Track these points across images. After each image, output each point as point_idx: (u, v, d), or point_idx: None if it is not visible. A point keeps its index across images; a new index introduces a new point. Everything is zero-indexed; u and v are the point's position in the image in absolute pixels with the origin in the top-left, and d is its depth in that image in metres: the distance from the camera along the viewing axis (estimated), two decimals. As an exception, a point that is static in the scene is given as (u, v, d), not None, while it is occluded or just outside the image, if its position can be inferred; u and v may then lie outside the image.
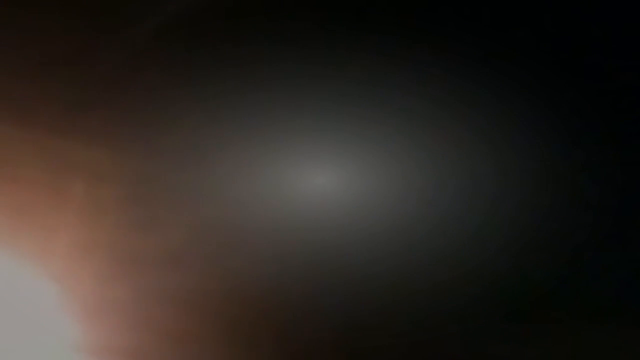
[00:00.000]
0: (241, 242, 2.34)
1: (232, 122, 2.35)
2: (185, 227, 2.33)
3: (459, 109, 2.36)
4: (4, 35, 2.25)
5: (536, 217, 2.38)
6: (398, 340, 2.38)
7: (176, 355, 2.35)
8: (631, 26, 2.35)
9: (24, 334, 2.29)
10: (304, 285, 2.35)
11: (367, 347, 2.37)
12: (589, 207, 2.39)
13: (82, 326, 2.32)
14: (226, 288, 2.33)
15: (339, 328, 2.37)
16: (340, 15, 2.34)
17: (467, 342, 2.38)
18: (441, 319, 2.37)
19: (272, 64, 2.34)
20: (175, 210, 2.33)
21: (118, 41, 2.27)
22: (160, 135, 2.33)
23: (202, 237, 2.34)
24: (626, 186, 2.39)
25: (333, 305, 2.37)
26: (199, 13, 2.32)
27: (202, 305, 2.33)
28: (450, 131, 2.36)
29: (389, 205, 2.37)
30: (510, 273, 2.38)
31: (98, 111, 2.30)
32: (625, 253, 2.41)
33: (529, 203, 2.38)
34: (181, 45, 2.32)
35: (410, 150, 2.37)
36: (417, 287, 2.36)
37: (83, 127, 2.30)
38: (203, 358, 2.36)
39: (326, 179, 2.37)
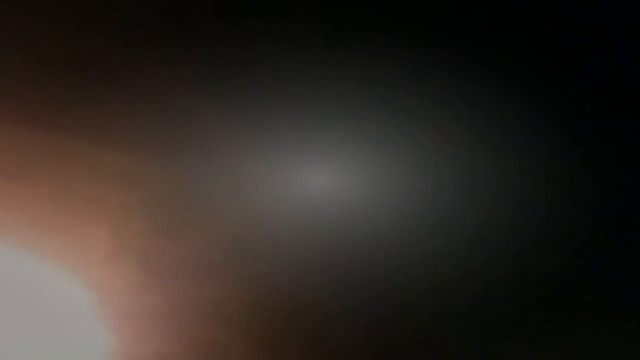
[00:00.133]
0: (267, 248, 2.34)
1: (235, 123, 2.35)
2: (215, 234, 2.33)
3: (459, 109, 2.36)
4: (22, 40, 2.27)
5: (536, 217, 2.38)
6: (401, 340, 2.38)
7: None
8: (631, 26, 2.35)
9: (56, 340, 2.30)
10: (318, 288, 2.36)
11: (386, 347, 2.37)
12: (589, 207, 2.39)
13: (113, 333, 2.32)
14: (256, 295, 2.33)
15: (363, 331, 2.38)
16: (340, 15, 2.34)
17: (467, 342, 2.38)
18: (441, 318, 2.37)
19: (273, 64, 2.34)
20: (204, 216, 2.33)
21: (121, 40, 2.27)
22: (186, 142, 2.33)
23: (231, 244, 2.34)
24: (626, 186, 2.39)
25: (356, 308, 2.37)
26: (199, 13, 2.32)
27: (231, 312, 2.33)
28: (450, 131, 2.37)
29: (389, 205, 2.37)
30: (510, 273, 2.38)
31: (129, 121, 2.30)
32: (625, 253, 2.41)
33: (529, 203, 2.38)
34: (182, 45, 2.32)
35: (410, 150, 2.37)
36: (417, 287, 2.36)
37: (117, 135, 2.31)
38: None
39: (326, 180, 2.37)
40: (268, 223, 2.35)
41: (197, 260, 2.33)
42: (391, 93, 2.35)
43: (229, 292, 2.33)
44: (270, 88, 2.33)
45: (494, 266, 2.37)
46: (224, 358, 2.34)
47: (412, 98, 2.35)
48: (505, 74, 2.35)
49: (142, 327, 2.33)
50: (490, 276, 2.37)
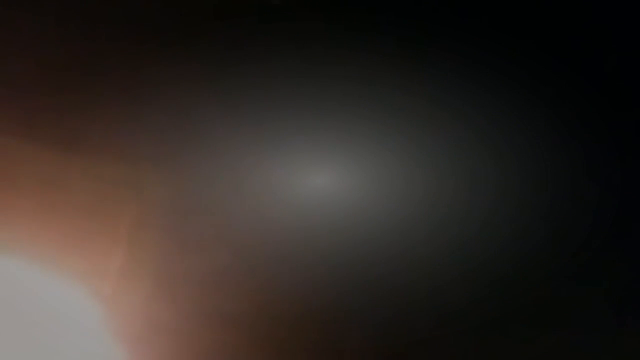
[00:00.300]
0: (274, 252, 2.34)
1: (234, 123, 2.35)
2: (227, 247, 2.33)
3: (459, 109, 2.36)
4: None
5: (536, 217, 2.38)
6: (406, 341, 2.38)
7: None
8: (631, 26, 2.35)
9: (66, 354, 2.29)
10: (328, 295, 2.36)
11: (392, 348, 2.37)
12: (589, 207, 2.39)
13: (127, 347, 2.32)
14: (270, 307, 2.33)
15: (368, 332, 2.37)
16: (340, 15, 2.34)
17: (467, 342, 2.38)
18: (441, 318, 2.37)
19: (273, 64, 2.34)
20: (218, 230, 2.33)
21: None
22: (186, 143, 2.34)
23: (244, 256, 2.34)
24: (626, 186, 2.39)
25: (359, 309, 2.37)
26: (199, 14, 2.32)
27: (247, 324, 2.33)
28: (450, 131, 2.37)
29: (390, 205, 2.37)
30: (510, 273, 2.38)
31: (129, 124, 2.30)
32: (625, 253, 2.41)
33: (529, 203, 2.38)
34: (182, 45, 2.32)
35: (410, 150, 2.37)
36: (417, 287, 2.36)
37: (118, 140, 2.31)
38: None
39: (326, 181, 2.37)
40: (276, 227, 2.35)
41: (212, 273, 2.33)
42: (391, 93, 2.35)
43: (245, 304, 2.33)
44: (270, 88, 2.33)
45: (494, 266, 2.37)
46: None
47: (412, 98, 2.35)
48: (505, 74, 2.36)
49: (153, 340, 2.33)
50: (490, 276, 2.37)
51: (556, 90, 2.37)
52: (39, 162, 2.30)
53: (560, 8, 2.34)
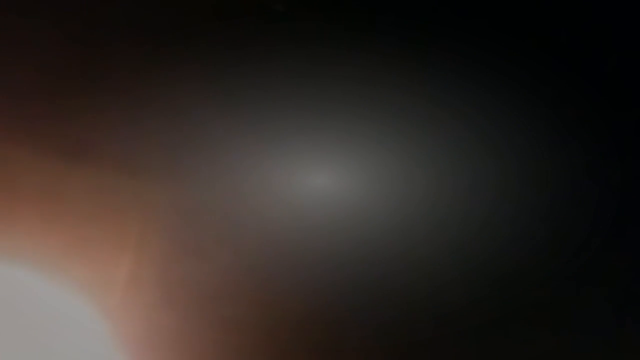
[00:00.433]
0: (279, 259, 2.34)
1: (234, 124, 2.35)
2: (229, 248, 2.33)
3: (459, 109, 2.36)
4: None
5: (536, 217, 2.39)
6: (402, 340, 2.38)
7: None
8: (631, 26, 2.35)
9: None
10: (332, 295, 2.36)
11: (393, 348, 2.37)
12: (589, 207, 2.39)
13: (131, 353, 2.31)
14: (271, 308, 2.33)
15: (369, 332, 2.37)
16: (340, 15, 2.34)
17: (467, 342, 2.38)
18: (441, 318, 2.37)
19: (273, 64, 2.34)
20: (220, 232, 2.33)
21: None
22: (187, 142, 2.33)
23: (245, 257, 2.34)
24: (626, 186, 2.39)
25: (359, 309, 2.37)
26: (198, 14, 2.32)
27: (248, 326, 2.32)
28: (450, 131, 2.37)
29: (390, 205, 2.37)
30: (510, 273, 2.38)
31: (129, 126, 2.30)
32: (625, 253, 2.41)
33: (529, 203, 2.38)
34: (181, 45, 2.32)
35: (410, 150, 2.37)
36: (417, 287, 2.36)
37: (128, 156, 2.31)
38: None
39: (326, 181, 2.37)
40: (276, 227, 2.35)
41: (217, 280, 2.32)
42: (391, 93, 2.35)
43: (250, 311, 2.32)
44: (270, 88, 2.33)
45: (494, 266, 2.37)
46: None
47: (412, 98, 2.35)
48: (505, 74, 2.36)
49: (157, 346, 2.32)
50: (491, 276, 2.37)
51: (556, 90, 2.37)
52: (40, 171, 2.30)
53: (560, 8, 2.34)
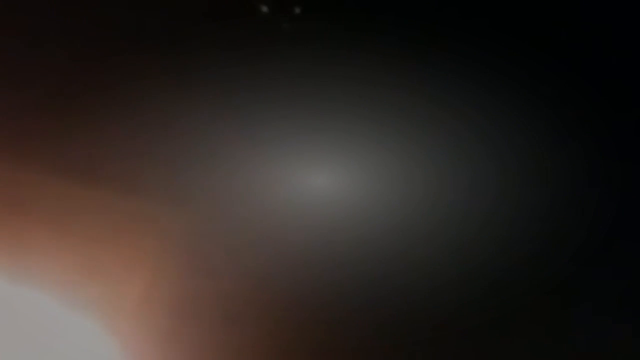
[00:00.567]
0: (279, 260, 2.34)
1: (234, 124, 2.35)
2: (241, 274, 2.33)
3: (459, 109, 2.36)
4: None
5: (536, 217, 2.39)
6: (402, 340, 2.38)
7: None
8: (631, 26, 2.35)
9: None
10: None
11: (393, 348, 2.37)
12: (589, 207, 2.39)
13: None
14: (271, 308, 2.33)
15: (368, 332, 2.37)
16: (340, 15, 2.34)
17: (467, 342, 2.38)
18: (441, 318, 2.37)
19: (273, 64, 2.34)
20: (230, 258, 2.33)
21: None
22: (187, 144, 2.34)
23: (246, 258, 2.34)
24: (626, 186, 2.39)
25: (359, 309, 2.37)
26: (197, 15, 2.32)
27: (249, 326, 2.32)
28: (450, 131, 2.37)
29: (390, 205, 2.37)
30: (510, 273, 2.38)
31: (128, 127, 2.30)
32: (625, 253, 2.41)
33: (529, 203, 2.38)
34: (180, 47, 2.33)
35: (410, 150, 2.37)
36: (417, 287, 2.36)
37: (141, 181, 2.31)
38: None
39: (326, 181, 2.37)
40: (276, 227, 2.35)
41: (227, 303, 2.33)
42: (391, 93, 2.35)
43: (239, 302, 2.32)
44: (269, 88, 2.34)
45: (494, 266, 2.37)
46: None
47: (412, 98, 2.35)
48: (505, 74, 2.36)
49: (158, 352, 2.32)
50: (491, 276, 2.37)
51: (556, 90, 2.37)
52: (51, 191, 2.30)
53: (561, 8, 2.34)
